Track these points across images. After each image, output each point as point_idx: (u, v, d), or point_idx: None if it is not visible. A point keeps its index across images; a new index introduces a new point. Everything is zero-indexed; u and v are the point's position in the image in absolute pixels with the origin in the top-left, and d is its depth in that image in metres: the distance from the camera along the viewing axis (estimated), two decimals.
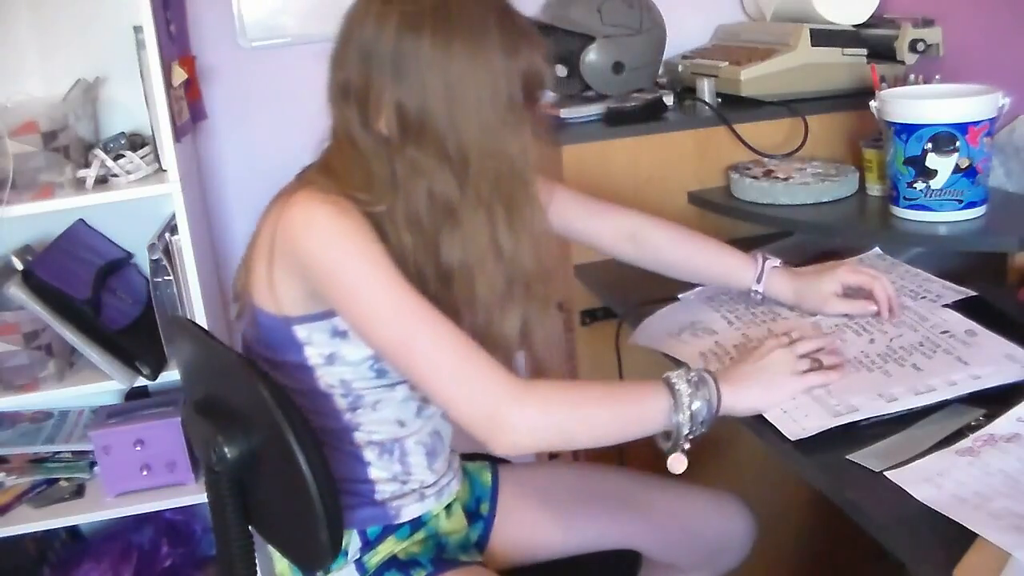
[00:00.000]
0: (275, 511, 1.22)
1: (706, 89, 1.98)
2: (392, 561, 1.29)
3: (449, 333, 1.10)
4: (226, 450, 1.16)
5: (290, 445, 1.09)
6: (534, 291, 1.19)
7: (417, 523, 1.32)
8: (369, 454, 1.27)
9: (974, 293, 1.37)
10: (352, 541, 1.28)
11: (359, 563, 1.28)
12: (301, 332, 1.19)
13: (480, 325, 1.15)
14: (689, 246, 1.48)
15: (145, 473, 1.97)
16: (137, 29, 1.81)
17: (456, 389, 1.10)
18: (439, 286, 1.15)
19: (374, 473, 1.27)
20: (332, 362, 1.21)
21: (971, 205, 1.55)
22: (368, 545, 1.28)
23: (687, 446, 1.15)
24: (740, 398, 1.16)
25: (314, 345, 1.20)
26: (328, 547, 1.14)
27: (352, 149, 1.16)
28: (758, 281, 1.43)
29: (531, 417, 1.10)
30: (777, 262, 1.44)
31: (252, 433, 1.17)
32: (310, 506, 1.11)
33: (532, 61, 1.14)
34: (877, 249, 1.59)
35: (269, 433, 1.13)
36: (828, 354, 1.23)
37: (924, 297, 1.40)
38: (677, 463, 1.16)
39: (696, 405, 1.13)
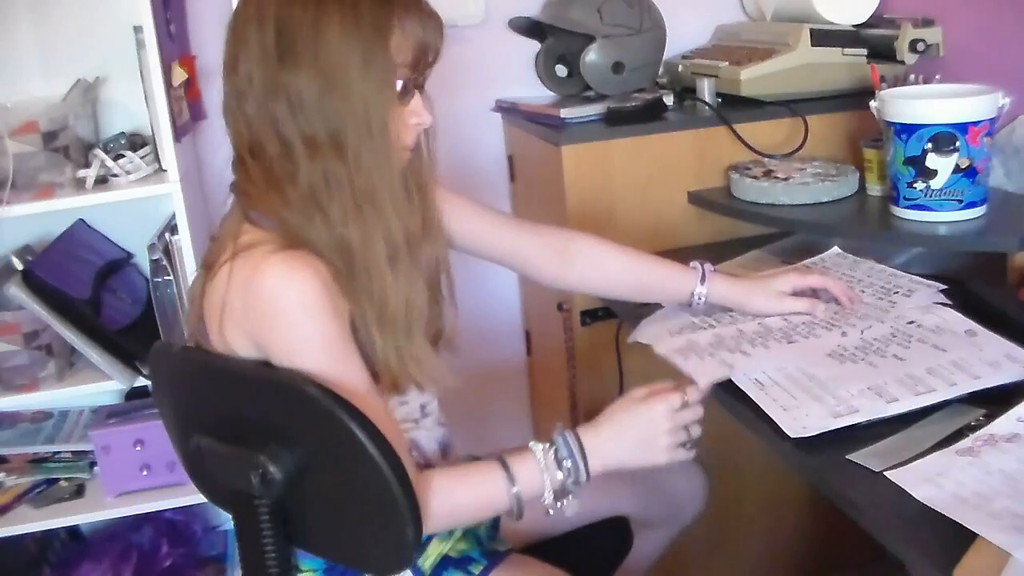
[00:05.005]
0: (336, 524, 1.13)
1: (706, 89, 1.98)
2: (446, 560, 1.30)
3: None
4: (272, 469, 1.05)
5: (359, 440, 1.03)
6: (416, 258, 1.19)
7: None
8: None
9: (943, 287, 1.40)
10: None
11: (415, 568, 1.28)
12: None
13: (376, 303, 1.15)
14: (626, 256, 1.46)
15: (145, 473, 1.97)
16: (137, 29, 1.81)
17: None
18: (344, 268, 1.13)
19: None
20: None
21: (971, 205, 1.55)
22: (418, 550, 1.29)
23: (568, 500, 1.19)
24: (602, 454, 1.19)
25: None
26: (414, 543, 1.08)
27: (257, 163, 1.15)
28: (702, 283, 1.42)
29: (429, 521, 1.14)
30: (712, 267, 1.45)
31: (298, 444, 1.07)
32: (390, 504, 1.05)
33: (405, 30, 1.11)
34: (836, 248, 1.61)
35: (323, 436, 1.06)
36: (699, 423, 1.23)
37: (897, 292, 1.41)
38: (569, 508, 1.19)
39: (558, 475, 1.17)
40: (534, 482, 1.17)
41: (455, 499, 1.17)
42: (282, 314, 1.09)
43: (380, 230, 1.14)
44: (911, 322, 1.32)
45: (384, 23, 1.10)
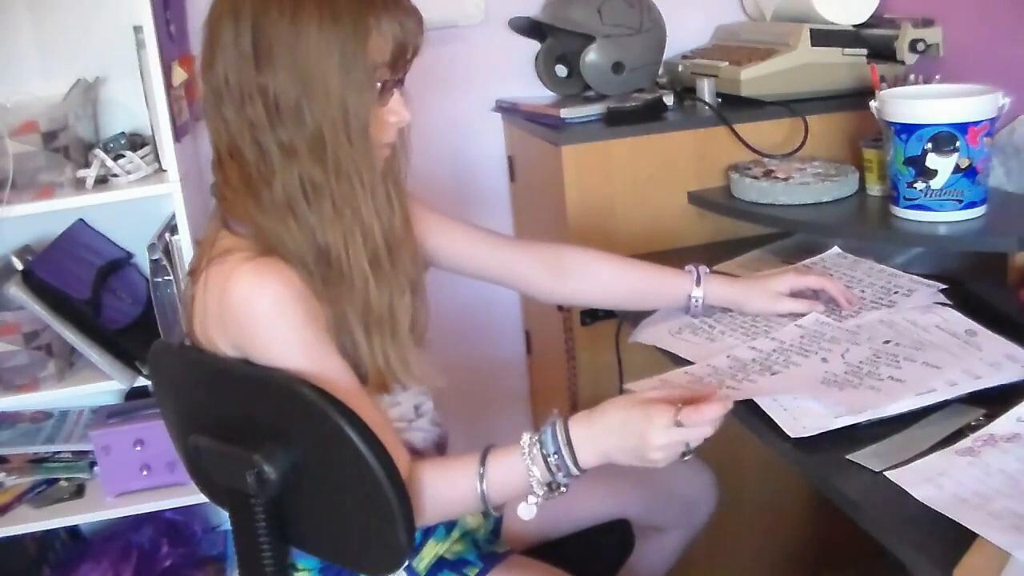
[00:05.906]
0: (330, 524, 1.14)
1: (706, 89, 1.98)
2: (442, 563, 1.30)
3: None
4: (267, 469, 1.06)
5: (353, 443, 1.03)
6: (397, 258, 1.19)
7: (450, 523, 1.33)
8: None
9: (943, 287, 1.40)
10: None
11: (409, 569, 1.28)
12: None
13: (359, 306, 1.15)
14: (619, 264, 1.47)
15: (145, 473, 1.97)
16: (137, 29, 1.81)
17: None
18: (324, 274, 1.13)
19: None
20: None
21: (971, 205, 1.55)
22: (412, 551, 1.28)
23: (563, 491, 1.14)
24: (593, 448, 1.11)
25: None
26: (406, 546, 1.08)
27: (235, 164, 1.14)
28: (697, 286, 1.42)
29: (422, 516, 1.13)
30: (707, 269, 1.45)
31: (292, 444, 1.08)
32: (383, 505, 1.05)
33: (383, 29, 1.10)
34: (836, 248, 1.61)
35: (318, 438, 1.06)
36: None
37: (897, 292, 1.41)
38: (526, 512, 1.14)
39: (542, 470, 1.11)
40: (513, 476, 1.12)
41: (441, 493, 1.15)
42: (257, 322, 1.09)
43: (360, 234, 1.13)
44: (887, 341, 1.28)
45: (362, 23, 1.08)
